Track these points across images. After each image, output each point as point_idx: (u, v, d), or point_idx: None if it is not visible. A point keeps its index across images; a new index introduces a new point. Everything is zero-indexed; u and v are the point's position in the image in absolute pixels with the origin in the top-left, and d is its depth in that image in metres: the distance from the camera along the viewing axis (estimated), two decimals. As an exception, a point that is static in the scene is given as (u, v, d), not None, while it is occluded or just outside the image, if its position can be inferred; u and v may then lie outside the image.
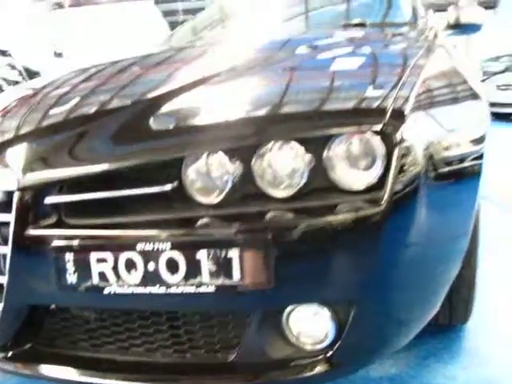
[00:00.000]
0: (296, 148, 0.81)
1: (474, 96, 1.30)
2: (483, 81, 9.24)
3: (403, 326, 0.96)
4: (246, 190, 0.83)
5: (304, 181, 0.82)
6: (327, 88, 0.99)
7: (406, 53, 1.41)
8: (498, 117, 8.42)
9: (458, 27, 2.12)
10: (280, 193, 0.82)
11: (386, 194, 0.79)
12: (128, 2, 11.39)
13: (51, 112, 1.09)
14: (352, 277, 0.83)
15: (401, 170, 0.80)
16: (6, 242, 0.87)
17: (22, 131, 1.02)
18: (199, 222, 0.80)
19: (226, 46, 1.71)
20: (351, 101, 0.91)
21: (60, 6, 10.00)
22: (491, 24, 16.10)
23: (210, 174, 0.83)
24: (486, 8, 13.31)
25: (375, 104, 0.87)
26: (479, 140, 1.13)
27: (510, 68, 10.26)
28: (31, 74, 9.67)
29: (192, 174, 0.83)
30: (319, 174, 0.82)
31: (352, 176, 0.82)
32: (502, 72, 9.82)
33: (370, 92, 0.93)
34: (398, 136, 0.80)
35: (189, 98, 0.99)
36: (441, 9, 2.53)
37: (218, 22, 2.49)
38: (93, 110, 1.05)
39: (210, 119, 0.90)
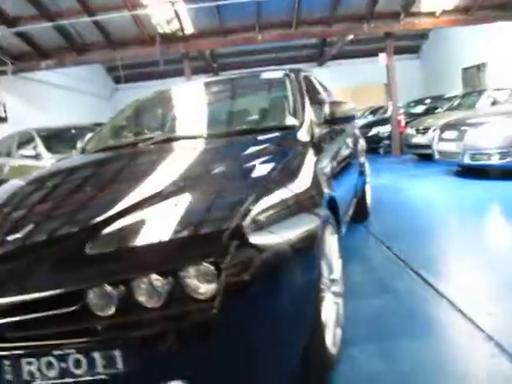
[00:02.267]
0: (158, 277, 1.18)
1: (310, 206, 1.67)
2: (407, 123, 10.14)
3: None
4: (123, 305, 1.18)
5: (166, 295, 1.18)
6: (189, 217, 1.38)
7: (268, 168, 1.78)
8: (420, 157, 9.26)
9: (335, 121, 2.62)
10: (151, 304, 1.19)
11: (217, 303, 1.16)
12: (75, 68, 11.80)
13: None
14: (196, 354, 1.19)
15: (230, 283, 1.18)
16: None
17: None
18: (95, 331, 1.17)
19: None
20: (196, 235, 1.29)
21: (3, 72, 10.23)
22: (415, 67, 17.52)
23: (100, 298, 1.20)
24: (410, 52, 14.45)
25: (212, 237, 1.26)
26: (310, 238, 1.51)
27: (430, 109, 11.29)
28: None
29: (92, 296, 1.20)
30: (178, 290, 1.18)
31: (199, 290, 1.19)
32: (425, 114, 10.77)
33: (211, 224, 1.35)
34: (226, 261, 1.18)
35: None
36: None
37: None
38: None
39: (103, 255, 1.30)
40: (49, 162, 6.52)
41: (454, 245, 3.38)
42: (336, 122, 2.67)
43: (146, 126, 2.97)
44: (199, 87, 3.15)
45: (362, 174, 4.16)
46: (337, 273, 1.97)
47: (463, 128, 6.31)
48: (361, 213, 4.35)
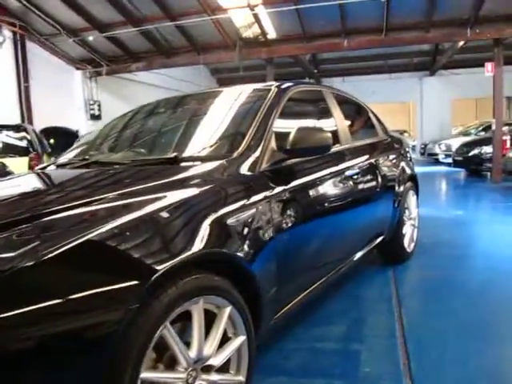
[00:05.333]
0: None
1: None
2: None
3: None
4: None
5: None
6: None
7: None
8: None
9: (295, 152, 2.07)
10: None
11: None
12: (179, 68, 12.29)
13: None
14: None
15: None
16: None
17: None
18: None
19: None
20: None
21: (99, 73, 10.93)
22: None
23: None
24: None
25: None
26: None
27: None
28: (70, 135, 10.54)
29: None
30: None
31: None
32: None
33: None
34: None
35: None
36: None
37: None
38: None
39: None
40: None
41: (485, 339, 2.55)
42: (298, 154, 2.11)
43: (104, 144, 2.73)
44: (176, 102, 2.88)
45: (396, 207, 3.44)
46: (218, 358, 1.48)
47: None
48: (392, 254, 3.63)
